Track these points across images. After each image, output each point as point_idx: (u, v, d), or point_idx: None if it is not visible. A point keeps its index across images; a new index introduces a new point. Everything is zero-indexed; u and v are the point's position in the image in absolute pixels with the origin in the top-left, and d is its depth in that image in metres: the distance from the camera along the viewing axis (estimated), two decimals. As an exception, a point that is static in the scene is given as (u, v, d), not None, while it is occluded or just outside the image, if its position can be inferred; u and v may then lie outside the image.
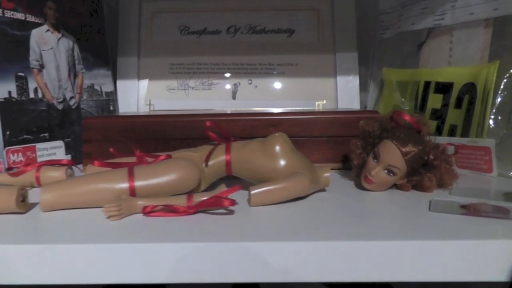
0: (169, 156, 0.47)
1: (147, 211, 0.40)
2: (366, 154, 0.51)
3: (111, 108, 0.80)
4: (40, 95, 0.65)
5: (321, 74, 0.86)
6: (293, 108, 0.80)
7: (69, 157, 0.69)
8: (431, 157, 0.47)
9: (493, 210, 0.39)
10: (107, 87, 0.80)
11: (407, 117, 0.47)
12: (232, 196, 0.40)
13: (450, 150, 0.53)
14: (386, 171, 0.46)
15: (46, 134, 0.66)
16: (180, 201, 0.41)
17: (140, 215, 0.41)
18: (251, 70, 0.87)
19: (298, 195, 0.44)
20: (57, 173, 0.52)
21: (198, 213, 0.41)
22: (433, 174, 0.47)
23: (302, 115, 0.62)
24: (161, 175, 0.43)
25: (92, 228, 0.37)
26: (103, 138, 0.61)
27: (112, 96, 0.81)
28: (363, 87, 0.85)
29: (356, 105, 0.84)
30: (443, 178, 0.47)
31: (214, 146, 0.48)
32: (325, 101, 0.85)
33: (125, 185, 0.42)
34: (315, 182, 0.46)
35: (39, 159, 0.65)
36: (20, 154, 0.62)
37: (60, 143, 0.68)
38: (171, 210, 0.40)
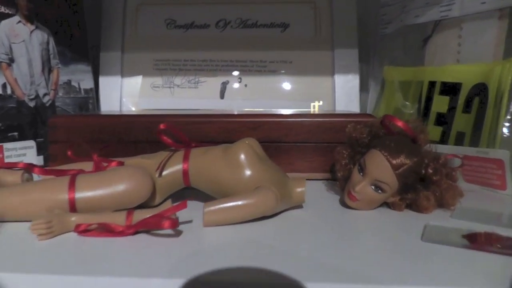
0: (121, 163, 0.40)
1: (80, 230, 0.33)
2: (352, 165, 0.43)
3: (90, 106, 0.74)
4: (9, 91, 0.59)
5: (318, 72, 0.78)
6: (280, 110, 0.72)
7: (41, 158, 0.63)
8: (430, 171, 0.38)
9: (505, 244, 0.31)
10: (86, 84, 0.73)
11: (399, 123, 0.39)
12: (187, 212, 0.33)
13: (456, 162, 0.44)
14: (373, 186, 0.38)
15: (15, 133, 0.59)
16: (119, 219, 0.33)
17: (73, 235, 0.33)
18: (241, 67, 0.79)
19: (263, 214, 0.36)
20: (12, 178, 0.46)
21: (139, 233, 0.33)
22: (432, 192, 0.39)
23: (286, 117, 0.54)
24: (106, 186, 0.36)
25: (7, 249, 0.30)
26: (69, 139, 0.54)
27: (91, 94, 0.74)
28: (364, 87, 0.76)
29: (355, 107, 0.76)
30: (444, 197, 0.39)
31: (171, 153, 0.40)
32: (321, 102, 0.77)
33: (63, 196, 0.35)
34: (286, 197, 0.38)
35: (7, 160, 0.58)
36: (-16, 154, 0.56)
37: (31, 143, 0.62)
38: (106, 229, 0.32)
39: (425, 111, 0.56)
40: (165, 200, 0.39)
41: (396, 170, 0.37)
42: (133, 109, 0.77)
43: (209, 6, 0.79)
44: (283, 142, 0.53)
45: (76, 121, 0.55)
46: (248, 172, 0.37)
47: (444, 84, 0.53)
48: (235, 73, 0.79)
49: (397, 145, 0.38)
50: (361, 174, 0.39)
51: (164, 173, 0.39)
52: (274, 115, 0.54)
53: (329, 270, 0.27)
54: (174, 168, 0.39)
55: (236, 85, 0.79)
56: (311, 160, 0.54)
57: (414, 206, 0.39)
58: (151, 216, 0.32)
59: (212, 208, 0.35)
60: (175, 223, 0.31)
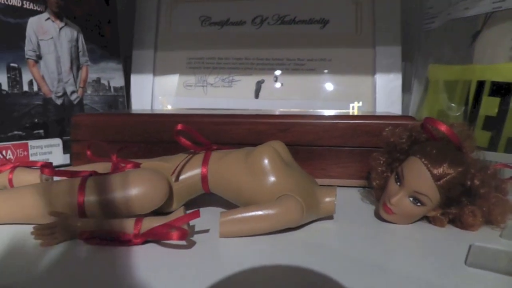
0: (137, 165, 0.38)
1: (84, 238, 0.31)
2: (390, 173, 0.39)
3: (120, 105, 0.73)
4: (35, 88, 0.59)
5: (358, 71, 0.73)
6: (318, 111, 0.68)
7: (67, 156, 0.63)
8: (476, 182, 0.34)
9: None
10: (116, 82, 0.73)
11: (442, 127, 0.34)
12: (205, 221, 0.30)
13: (507, 173, 0.39)
14: (411, 198, 0.34)
15: (41, 131, 0.60)
16: (127, 226, 0.31)
17: (78, 242, 0.32)
18: (278, 65, 0.76)
19: (286, 226, 0.33)
20: (31, 177, 0.45)
21: (148, 242, 0.31)
22: (478, 206, 0.34)
23: (319, 119, 0.50)
24: (117, 190, 0.34)
25: (6, 255, 0.29)
26: (92, 138, 0.53)
27: (121, 92, 0.74)
28: (406, 88, 0.71)
29: (397, 109, 0.71)
30: (492, 213, 0.34)
31: (190, 155, 0.38)
32: (361, 103, 0.73)
33: (72, 199, 0.34)
34: (313, 208, 0.34)
35: (32, 158, 0.59)
36: (9, 151, 0.56)
37: (57, 141, 0.62)
38: (113, 237, 0.31)
39: (473, 114, 0.50)
40: (181, 206, 0.37)
41: (438, 181, 0.33)
42: (165, 108, 0.76)
43: (245, 2, 0.77)
44: (315, 145, 0.50)
45: (100, 119, 0.54)
46: (271, 179, 0.34)
47: (494, 84, 0.48)
48: (271, 71, 0.75)
49: (439, 153, 0.33)
50: (398, 184, 0.35)
51: (181, 177, 0.37)
52: (306, 116, 0.51)
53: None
54: (193, 172, 0.37)
55: (272, 84, 0.76)
56: (345, 166, 0.50)
57: (458, 222, 0.35)
58: (160, 226, 0.30)
59: (229, 218, 0.32)
60: (184, 235, 0.28)
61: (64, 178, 0.36)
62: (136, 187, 0.34)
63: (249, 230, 0.32)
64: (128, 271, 0.26)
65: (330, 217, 0.37)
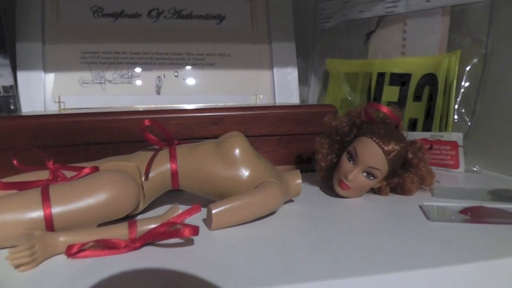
0: (95, 169, 0.34)
1: (74, 252, 0.27)
2: (334, 155, 0.43)
3: (12, 107, 0.63)
4: None
5: (256, 65, 0.76)
6: (235, 103, 0.69)
7: None
8: (410, 155, 0.40)
9: (496, 215, 0.33)
10: (5, 80, 0.62)
11: (384, 109, 0.40)
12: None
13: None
14: (365, 174, 0.39)
15: None
16: (119, 232, 0.28)
17: (62, 257, 0.27)
18: (177, 60, 0.74)
19: (272, 210, 0.34)
20: None
21: (144, 245, 0.29)
22: (414, 175, 0.40)
23: (249, 110, 0.52)
24: (87, 196, 0.30)
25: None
26: (3, 146, 0.44)
27: (12, 92, 0.63)
28: (302, 80, 0.77)
29: (295, 100, 0.76)
30: (424, 179, 0.40)
31: (154, 152, 0.36)
32: (261, 95, 0.76)
33: (37, 213, 0.29)
34: (286, 191, 0.36)
35: None
36: None
37: None
38: (107, 246, 0.27)
39: (375, 101, 0.58)
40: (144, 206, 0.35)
41: (388, 156, 0.38)
42: (61, 109, 0.68)
43: (140, -6, 0.73)
44: (247, 136, 0.51)
45: (9, 124, 0.45)
46: (248, 168, 0.35)
47: (393, 75, 0.56)
48: (171, 66, 0.74)
49: (385, 132, 0.38)
50: (351, 162, 0.39)
51: (150, 175, 0.35)
52: (237, 109, 0.52)
53: (363, 263, 0.26)
54: (161, 169, 0.35)
55: (172, 80, 0.74)
56: (274, 153, 0.53)
57: (398, 189, 0.41)
58: (161, 224, 0.28)
59: (221, 209, 0.32)
60: (196, 230, 0.27)
61: (14, 191, 0.31)
62: (107, 191, 0.31)
63: (241, 218, 0.32)
64: (135, 276, 0.24)
65: (291, 201, 0.40)
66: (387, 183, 0.40)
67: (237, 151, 0.35)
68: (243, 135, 0.38)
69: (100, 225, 0.32)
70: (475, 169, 0.49)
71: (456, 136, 0.48)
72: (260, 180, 0.35)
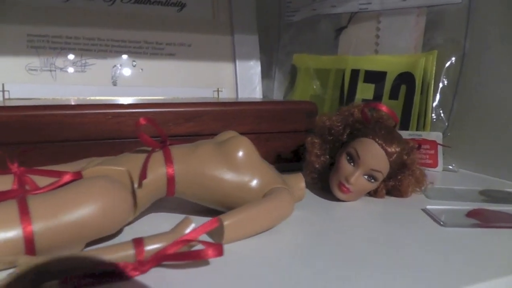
0: (78, 175, 0.28)
1: (72, 284, 0.21)
2: (328, 156, 0.40)
3: None
4: None
5: (218, 57, 0.71)
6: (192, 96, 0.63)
7: None
8: (405, 156, 0.38)
9: (502, 219, 0.33)
10: None
11: (383, 108, 0.38)
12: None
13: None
14: (366, 176, 0.36)
15: None
16: (125, 253, 0.23)
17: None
18: (135, 49, 0.67)
19: (283, 220, 0.30)
20: None
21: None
22: (408, 176, 0.39)
23: (228, 106, 0.47)
24: (75, 208, 0.25)
25: None
26: None
27: None
28: (265, 75, 0.74)
29: (258, 94, 0.73)
30: (419, 181, 0.39)
31: (148, 154, 0.30)
32: (223, 89, 0.72)
33: (14, 232, 0.23)
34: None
35: None
36: None
37: None
38: (110, 271, 0.22)
39: (349, 98, 0.56)
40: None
41: (390, 158, 0.36)
42: (6, 99, 0.57)
43: (93, -26, 0.64)
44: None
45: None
46: (256, 173, 0.31)
47: (368, 72, 0.55)
48: (128, 55, 0.66)
49: (387, 132, 0.36)
50: (352, 164, 0.36)
51: (144, 182, 0.29)
52: (215, 104, 0.47)
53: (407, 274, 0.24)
54: (155, 174, 0.30)
55: (130, 70, 0.66)
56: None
57: (395, 191, 0.39)
58: (173, 243, 0.23)
59: (233, 220, 0.27)
60: (221, 249, 0.23)
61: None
62: (99, 202, 0.25)
63: (254, 230, 0.28)
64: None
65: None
66: (384, 185, 0.38)
67: (244, 154, 0.31)
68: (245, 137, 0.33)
69: (88, 244, 0.26)
70: (451, 167, 0.49)
71: (436, 136, 0.47)
72: (269, 186, 0.31)
